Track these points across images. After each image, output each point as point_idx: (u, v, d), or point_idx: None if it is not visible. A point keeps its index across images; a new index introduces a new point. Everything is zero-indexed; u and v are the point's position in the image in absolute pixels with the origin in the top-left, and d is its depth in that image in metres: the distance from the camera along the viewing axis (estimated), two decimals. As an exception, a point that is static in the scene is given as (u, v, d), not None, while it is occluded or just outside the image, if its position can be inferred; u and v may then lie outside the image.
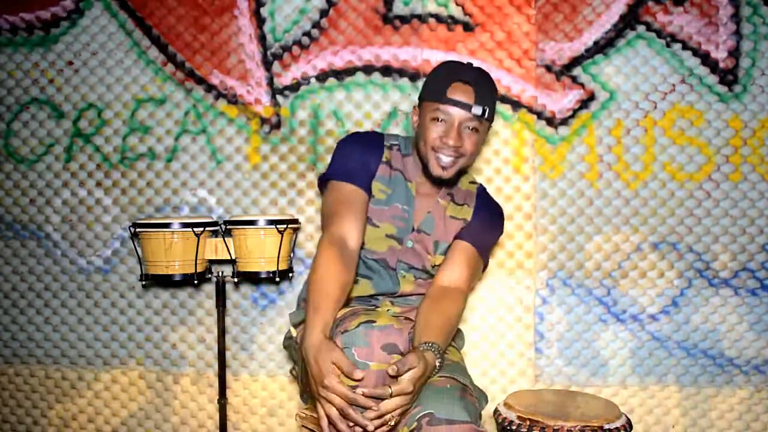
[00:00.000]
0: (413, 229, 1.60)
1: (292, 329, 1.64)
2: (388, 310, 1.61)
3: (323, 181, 1.62)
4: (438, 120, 1.49)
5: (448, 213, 1.64)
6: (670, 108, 2.14)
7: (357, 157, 1.58)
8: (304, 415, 1.50)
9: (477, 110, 1.47)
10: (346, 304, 1.61)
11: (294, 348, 1.63)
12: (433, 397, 1.30)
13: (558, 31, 2.15)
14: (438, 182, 1.60)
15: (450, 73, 1.51)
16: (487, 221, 1.67)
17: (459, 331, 1.75)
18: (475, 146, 1.52)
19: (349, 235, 1.47)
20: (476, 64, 2.12)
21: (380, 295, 1.62)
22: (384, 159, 1.60)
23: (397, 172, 1.61)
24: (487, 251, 1.70)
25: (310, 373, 1.26)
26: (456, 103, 1.47)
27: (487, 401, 1.49)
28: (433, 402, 1.29)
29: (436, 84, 1.51)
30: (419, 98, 1.59)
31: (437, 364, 1.32)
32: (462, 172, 1.62)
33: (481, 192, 1.72)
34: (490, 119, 1.54)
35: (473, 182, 1.73)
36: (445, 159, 1.51)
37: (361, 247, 1.55)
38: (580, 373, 2.19)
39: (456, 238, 1.63)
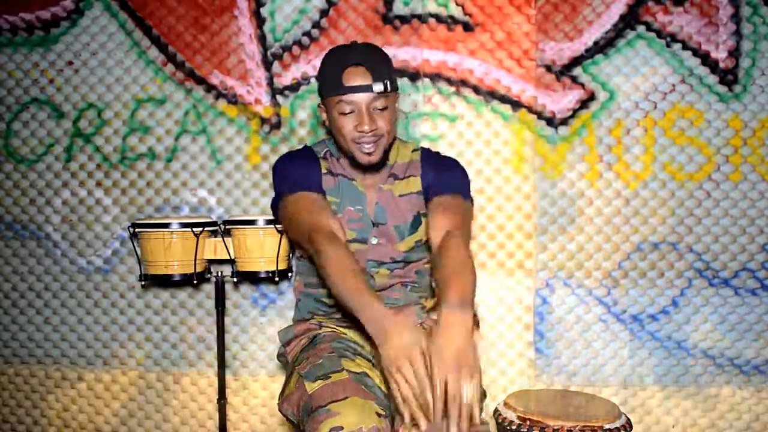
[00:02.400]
0: (373, 225, 1.59)
1: (284, 347, 1.64)
2: None
3: (276, 203, 1.61)
4: (345, 112, 1.47)
5: (397, 193, 1.61)
6: (670, 108, 2.14)
7: (300, 170, 1.59)
8: None
9: (378, 87, 1.45)
10: (333, 313, 1.62)
11: (286, 362, 1.64)
12: None
13: (558, 31, 2.15)
14: (373, 168, 1.58)
15: (339, 60, 1.49)
16: (441, 169, 1.62)
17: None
18: (390, 122, 1.51)
19: (335, 228, 1.46)
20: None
21: None
22: (324, 170, 1.61)
23: (340, 177, 1.61)
24: (463, 190, 1.61)
25: (383, 345, 1.20)
26: (356, 89, 1.45)
27: (485, 397, 1.49)
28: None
29: (330, 76, 1.49)
30: (319, 95, 1.57)
31: (469, 320, 1.24)
32: (388, 149, 1.59)
33: (425, 154, 1.68)
34: (395, 89, 1.52)
35: (416, 149, 1.69)
36: (367, 146, 1.49)
37: None
38: (580, 373, 2.19)
39: (426, 200, 1.60)
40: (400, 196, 1.61)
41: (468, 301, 1.27)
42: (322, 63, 1.54)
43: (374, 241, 1.58)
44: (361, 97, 1.46)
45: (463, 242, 1.44)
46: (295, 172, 1.59)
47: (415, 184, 1.62)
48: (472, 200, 1.65)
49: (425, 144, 2.14)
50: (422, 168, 1.64)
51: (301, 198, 1.54)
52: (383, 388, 1.40)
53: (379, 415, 1.25)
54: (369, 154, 1.50)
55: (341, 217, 1.57)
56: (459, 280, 1.31)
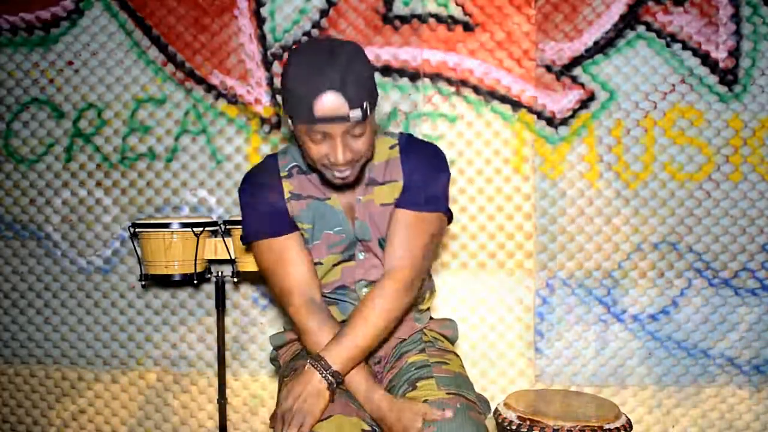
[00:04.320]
0: (357, 239, 1.45)
1: (275, 351, 1.63)
2: None
3: (246, 242, 1.49)
4: (317, 141, 1.26)
5: (378, 202, 1.43)
6: (670, 108, 2.14)
7: (264, 208, 1.42)
8: None
9: (356, 115, 1.22)
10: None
11: (278, 367, 1.62)
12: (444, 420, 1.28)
13: (558, 31, 2.15)
14: (350, 184, 1.41)
15: (309, 83, 1.21)
16: (418, 172, 1.42)
17: (451, 321, 1.65)
18: (368, 143, 1.31)
19: (309, 285, 1.42)
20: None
21: None
22: (288, 194, 1.42)
23: (309, 200, 1.43)
24: (432, 200, 1.44)
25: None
26: (329, 120, 1.22)
27: (489, 410, 1.48)
28: (443, 423, 1.27)
29: (298, 100, 1.22)
30: (282, 104, 1.30)
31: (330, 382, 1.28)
32: (365, 165, 1.41)
33: (404, 149, 1.45)
34: (373, 109, 1.30)
35: (393, 145, 1.46)
36: (340, 173, 1.30)
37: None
38: (580, 373, 2.19)
39: (395, 206, 1.43)
40: (382, 205, 1.43)
41: (338, 367, 1.30)
42: (288, 76, 1.24)
43: (361, 256, 1.48)
44: (335, 128, 1.23)
45: (397, 294, 1.37)
46: (260, 213, 1.43)
47: (397, 188, 1.43)
48: (447, 209, 1.48)
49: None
50: (403, 170, 1.43)
51: (267, 249, 1.42)
52: None
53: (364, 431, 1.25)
54: (344, 178, 1.32)
55: (318, 244, 1.43)
56: (354, 333, 1.33)
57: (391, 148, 1.46)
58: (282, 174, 1.44)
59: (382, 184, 1.43)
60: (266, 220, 1.42)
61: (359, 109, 1.23)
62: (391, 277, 1.38)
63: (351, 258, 1.47)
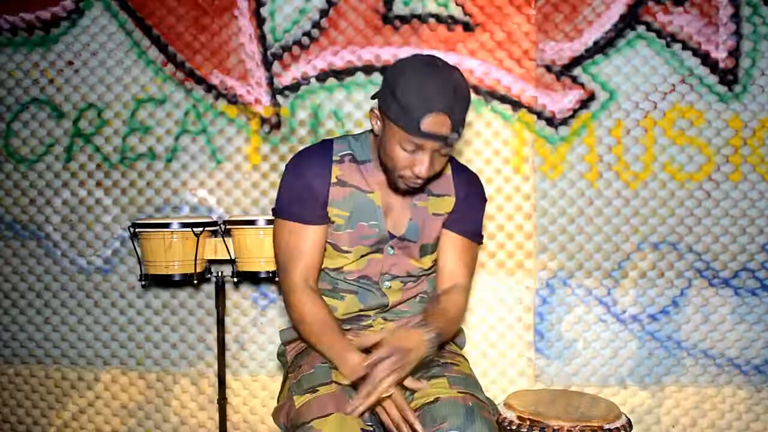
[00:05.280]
0: (391, 236, 1.50)
1: (284, 347, 1.63)
2: (382, 328, 1.55)
3: (275, 214, 1.52)
4: (408, 150, 1.34)
5: (430, 211, 1.52)
6: (670, 108, 2.14)
7: (303, 192, 1.45)
8: None
9: (453, 137, 1.33)
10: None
11: (285, 363, 1.63)
12: (455, 414, 1.30)
13: (558, 31, 2.15)
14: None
15: (425, 102, 1.29)
16: (472, 201, 1.56)
17: (460, 329, 1.71)
18: (444, 163, 1.42)
19: (313, 276, 1.47)
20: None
21: (369, 311, 1.54)
22: (334, 179, 1.46)
23: (352, 189, 1.47)
24: (479, 232, 1.59)
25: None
26: (431, 137, 1.31)
27: (497, 412, 1.49)
28: (455, 419, 1.29)
29: (408, 113, 1.30)
30: (380, 106, 1.38)
31: (428, 337, 1.33)
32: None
33: (455, 168, 1.56)
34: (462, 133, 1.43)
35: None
36: (414, 185, 1.40)
37: (340, 270, 1.50)
38: (580, 373, 2.19)
39: (444, 227, 1.53)
40: (434, 214, 1.52)
41: (437, 340, 1.35)
42: (405, 91, 1.30)
43: (391, 251, 1.51)
44: (432, 144, 1.32)
45: (465, 296, 1.54)
46: (297, 195, 1.46)
47: (449, 205, 1.53)
48: (482, 239, 1.62)
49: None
50: (455, 187, 1.54)
51: (293, 231, 1.46)
52: None
53: (364, 431, 1.25)
54: (412, 188, 1.42)
55: (351, 233, 1.47)
56: (447, 323, 1.43)
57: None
58: (334, 158, 1.48)
59: (437, 196, 1.52)
60: (301, 204, 1.46)
61: (457, 133, 1.33)
62: (457, 291, 1.52)
63: (380, 251, 1.51)
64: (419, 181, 1.39)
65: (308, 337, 1.44)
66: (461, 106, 1.34)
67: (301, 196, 1.45)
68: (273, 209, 1.52)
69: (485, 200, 1.63)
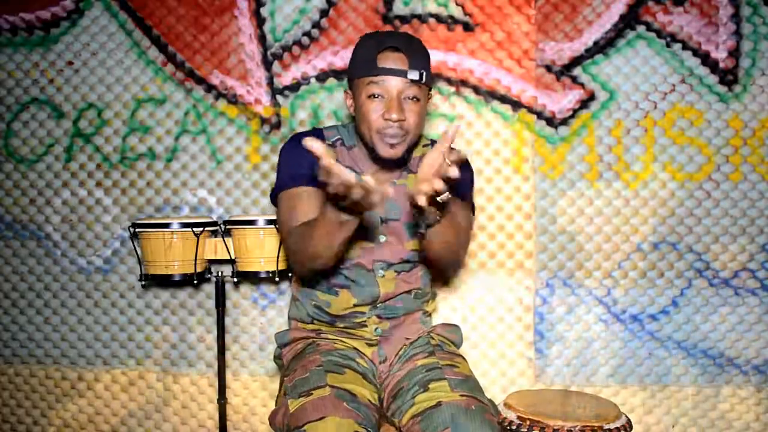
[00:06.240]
0: (381, 221, 1.52)
1: (280, 349, 1.63)
2: (376, 328, 1.56)
3: (275, 196, 1.56)
4: (374, 96, 1.39)
5: (410, 187, 1.51)
6: (670, 108, 2.14)
7: (301, 157, 1.48)
8: None
9: (413, 74, 1.36)
10: (331, 322, 1.59)
11: (281, 366, 1.63)
12: (458, 418, 1.30)
13: (558, 31, 2.15)
14: (390, 164, 1.51)
15: (377, 42, 1.40)
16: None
17: (456, 327, 1.71)
18: (419, 117, 1.43)
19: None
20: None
21: (362, 306, 1.55)
22: None
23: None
24: (468, 195, 1.61)
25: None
26: (389, 71, 1.36)
27: (498, 414, 1.49)
28: (458, 423, 1.29)
29: (363, 56, 1.39)
30: (348, 79, 1.48)
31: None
32: (412, 147, 1.52)
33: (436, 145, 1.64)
34: (429, 84, 1.45)
35: (426, 144, 1.64)
36: (392, 139, 1.41)
37: None
38: (580, 373, 2.19)
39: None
40: None
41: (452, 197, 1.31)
42: (358, 43, 1.46)
43: (383, 239, 1.53)
44: (394, 82, 1.37)
45: (467, 232, 1.54)
46: (298, 164, 1.50)
47: None
48: (474, 208, 1.63)
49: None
50: None
51: (296, 194, 1.49)
52: (373, 400, 1.40)
53: None
54: (392, 146, 1.42)
55: None
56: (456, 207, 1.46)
57: (425, 146, 1.63)
58: (327, 143, 1.55)
59: (416, 173, 1.52)
60: (299, 166, 1.49)
61: (417, 71, 1.37)
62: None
63: (372, 240, 1.53)
64: (396, 129, 1.40)
65: (314, 232, 1.34)
66: (419, 51, 1.42)
67: (299, 161, 1.49)
68: (271, 194, 1.56)
69: (471, 171, 1.65)
